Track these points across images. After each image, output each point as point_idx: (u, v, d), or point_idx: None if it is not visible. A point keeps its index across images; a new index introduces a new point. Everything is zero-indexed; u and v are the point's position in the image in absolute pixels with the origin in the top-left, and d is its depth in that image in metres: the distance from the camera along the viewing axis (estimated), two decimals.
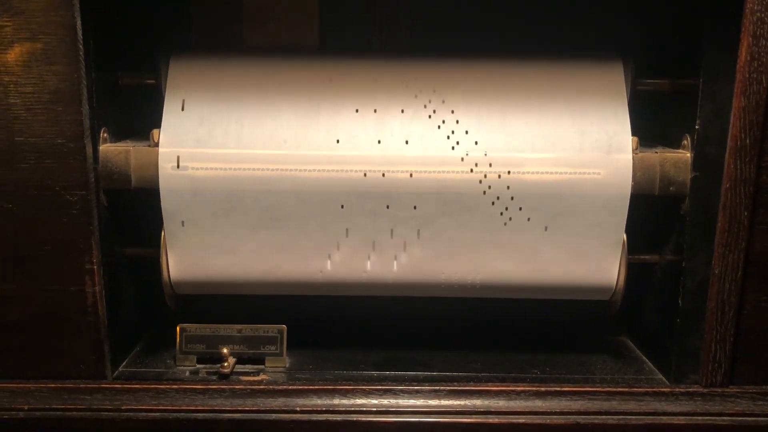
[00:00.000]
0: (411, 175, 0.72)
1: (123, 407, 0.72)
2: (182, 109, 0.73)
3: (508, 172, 0.72)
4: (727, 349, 0.73)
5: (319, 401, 0.73)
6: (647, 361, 0.84)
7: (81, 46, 0.67)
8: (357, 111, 0.73)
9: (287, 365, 0.79)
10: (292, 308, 0.85)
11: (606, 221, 0.73)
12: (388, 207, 0.73)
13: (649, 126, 0.80)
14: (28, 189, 0.69)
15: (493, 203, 0.73)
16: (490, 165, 0.72)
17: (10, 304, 0.72)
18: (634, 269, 0.78)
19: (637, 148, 0.74)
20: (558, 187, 0.72)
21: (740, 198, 0.69)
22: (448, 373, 0.79)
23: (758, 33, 0.66)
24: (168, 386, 0.74)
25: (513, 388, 0.74)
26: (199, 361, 0.79)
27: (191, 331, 0.79)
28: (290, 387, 0.74)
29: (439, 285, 0.77)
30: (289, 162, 0.72)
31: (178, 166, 0.72)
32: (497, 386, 0.75)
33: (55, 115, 0.68)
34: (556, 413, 0.73)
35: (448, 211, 0.73)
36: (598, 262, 0.75)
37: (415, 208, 0.73)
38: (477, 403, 0.74)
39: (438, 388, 0.75)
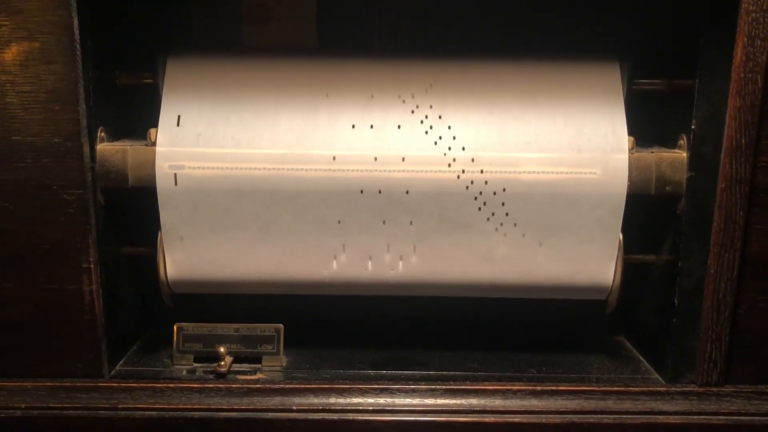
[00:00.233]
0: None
1: (120, 406, 0.72)
2: (180, 109, 0.74)
3: (504, 172, 0.73)
4: (722, 349, 0.73)
5: (315, 400, 0.73)
6: (643, 360, 0.84)
7: (78, 46, 0.67)
8: (353, 126, 0.73)
9: (284, 364, 0.80)
10: (289, 307, 0.85)
11: (602, 221, 0.73)
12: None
13: (646, 126, 0.80)
14: (26, 188, 0.69)
15: (486, 203, 0.73)
16: (485, 165, 0.72)
17: (7, 302, 0.72)
18: (630, 269, 0.78)
19: (633, 148, 0.74)
20: (554, 187, 0.73)
21: (736, 198, 0.70)
22: (444, 373, 0.79)
23: (753, 33, 0.66)
24: (165, 385, 0.74)
25: (509, 388, 0.75)
26: (196, 360, 0.79)
27: (188, 330, 0.79)
28: (287, 386, 0.74)
29: (436, 286, 0.77)
30: (288, 161, 0.72)
31: (175, 166, 0.72)
32: (494, 385, 0.75)
33: (52, 114, 0.68)
34: (552, 412, 0.73)
35: (444, 213, 0.73)
36: (595, 262, 0.75)
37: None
38: (473, 402, 0.74)
39: (435, 387, 0.75)
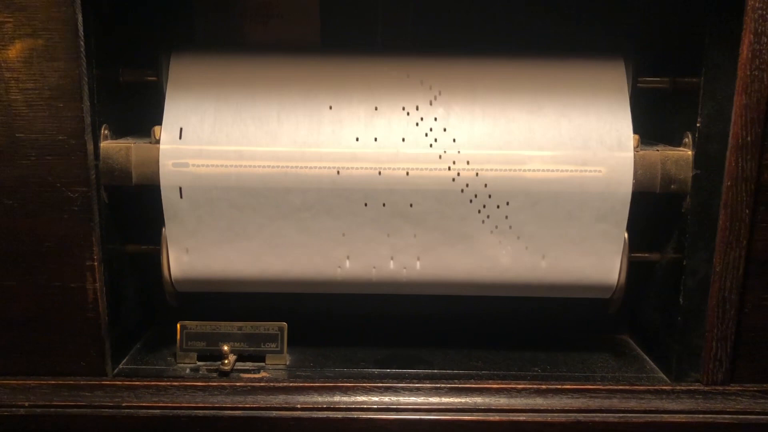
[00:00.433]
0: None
1: (123, 404, 0.72)
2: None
3: (509, 170, 0.72)
4: (728, 348, 0.73)
5: (319, 398, 0.73)
6: (648, 359, 0.84)
7: (82, 43, 0.67)
8: (357, 139, 0.73)
9: (288, 362, 0.79)
10: (292, 305, 0.85)
11: (607, 219, 0.73)
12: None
13: (651, 124, 0.80)
14: (29, 185, 0.69)
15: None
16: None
17: (10, 300, 0.72)
18: (635, 267, 0.78)
19: (638, 146, 0.73)
20: (559, 185, 0.72)
21: (741, 196, 0.69)
22: (449, 371, 0.79)
23: (759, 30, 0.66)
24: (168, 383, 0.74)
25: (514, 386, 0.74)
26: (199, 359, 0.79)
27: (192, 329, 0.79)
28: (291, 384, 0.74)
29: (441, 286, 0.77)
30: (292, 159, 0.72)
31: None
32: (498, 384, 0.75)
33: (56, 111, 0.68)
34: (557, 411, 0.73)
35: (446, 211, 0.73)
36: (599, 260, 0.75)
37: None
38: (478, 400, 0.73)
39: (439, 385, 0.74)
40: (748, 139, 0.68)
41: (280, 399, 0.73)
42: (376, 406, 0.73)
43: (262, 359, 0.79)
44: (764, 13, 0.65)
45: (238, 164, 0.72)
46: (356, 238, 0.74)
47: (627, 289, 0.77)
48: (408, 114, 0.73)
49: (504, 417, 0.72)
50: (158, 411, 0.72)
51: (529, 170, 0.72)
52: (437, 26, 0.89)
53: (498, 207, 0.73)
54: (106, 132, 0.73)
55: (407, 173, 0.73)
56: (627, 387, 0.75)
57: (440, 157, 0.72)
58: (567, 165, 0.72)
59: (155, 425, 0.72)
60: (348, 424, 0.72)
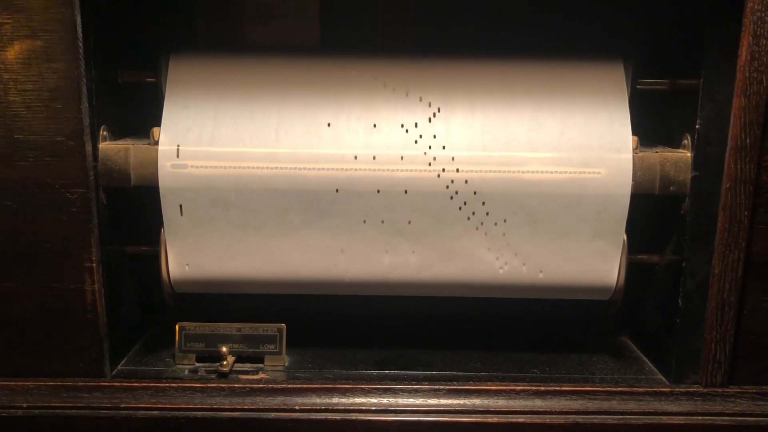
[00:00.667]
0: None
1: (122, 405, 0.72)
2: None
3: (508, 172, 0.72)
4: (727, 350, 0.73)
5: (318, 400, 0.73)
6: (647, 361, 0.84)
7: (81, 44, 0.67)
8: (355, 158, 0.73)
9: (286, 364, 0.79)
10: (291, 307, 0.85)
11: (606, 221, 0.73)
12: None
13: (650, 126, 0.80)
14: (28, 187, 0.69)
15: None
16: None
17: (9, 301, 0.72)
18: (634, 269, 0.78)
19: (637, 148, 0.73)
20: (558, 187, 0.72)
21: (740, 198, 0.69)
22: (447, 372, 0.79)
23: (758, 32, 0.66)
24: (167, 385, 0.74)
25: (512, 388, 0.74)
26: (198, 360, 0.79)
27: (190, 330, 0.79)
28: (289, 386, 0.74)
29: (437, 286, 0.77)
30: (289, 160, 0.72)
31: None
32: (497, 385, 0.75)
33: (54, 112, 0.68)
34: (555, 413, 0.73)
35: (446, 230, 0.74)
36: (599, 262, 0.75)
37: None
38: (476, 402, 0.73)
39: (437, 387, 0.74)
40: (747, 141, 0.68)
41: (278, 400, 0.73)
42: (374, 408, 0.73)
43: (261, 360, 0.79)
44: (763, 15, 0.65)
45: (237, 165, 0.72)
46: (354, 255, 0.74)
47: (626, 290, 0.77)
48: (407, 131, 0.73)
49: (503, 418, 0.72)
50: (157, 412, 0.72)
51: (528, 172, 0.72)
52: (436, 27, 0.89)
53: (495, 215, 0.73)
54: (105, 133, 0.73)
55: (405, 192, 0.73)
56: (626, 389, 0.75)
57: (438, 176, 0.72)
58: (566, 167, 0.72)
59: (154, 426, 0.72)
60: (347, 426, 0.72)
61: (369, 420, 0.72)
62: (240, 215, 0.73)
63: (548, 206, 0.73)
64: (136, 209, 0.79)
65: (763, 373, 0.74)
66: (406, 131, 0.73)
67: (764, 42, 0.66)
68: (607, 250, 0.75)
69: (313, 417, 0.72)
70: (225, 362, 0.76)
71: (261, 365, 0.79)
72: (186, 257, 0.75)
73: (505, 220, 0.73)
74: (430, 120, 0.73)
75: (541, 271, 0.75)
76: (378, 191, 0.72)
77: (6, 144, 0.68)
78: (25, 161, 0.68)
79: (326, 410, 0.72)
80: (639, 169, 0.73)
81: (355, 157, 0.72)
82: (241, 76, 0.76)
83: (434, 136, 0.73)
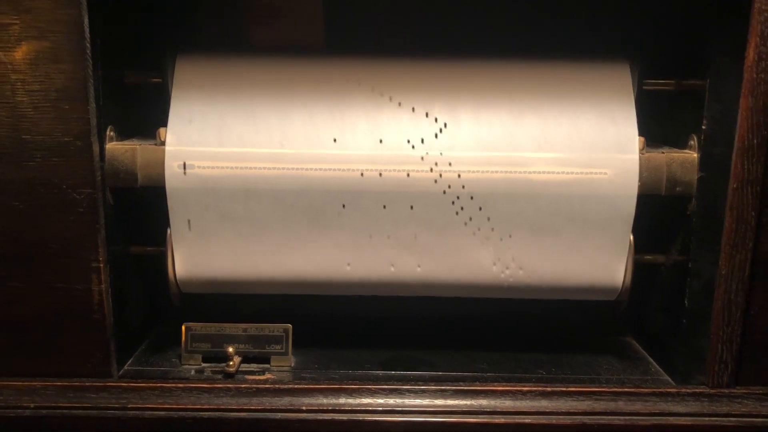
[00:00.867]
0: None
1: (129, 406, 0.72)
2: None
3: (514, 173, 0.72)
4: (733, 350, 0.73)
5: (324, 400, 0.73)
6: (653, 361, 0.84)
7: (88, 45, 0.67)
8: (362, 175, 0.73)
9: (293, 364, 0.79)
10: (297, 307, 0.85)
11: (612, 221, 0.73)
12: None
13: (656, 126, 0.80)
14: (35, 187, 0.69)
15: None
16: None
17: (16, 301, 0.72)
18: (640, 269, 0.78)
19: (643, 149, 0.73)
20: (565, 187, 0.72)
21: (747, 198, 0.69)
22: (453, 373, 0.79)
23: (766, 33, 0.66)
24: (173, 385, 0.74)
25: (519, 388, 0.74)
26: (204, 360, 0.79)
27: (196, 330, 0.79)
28: (296, 386, 0.74)
29: (445, 286, 0.77)
30: (296, 161, 0.72)
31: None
32: (503, 386, 0.75)
33: (62, 113, 0.68)
34: (562, 413, 0.73)
35: (450, 242, 0.74)
36: (605, 263, 0.75)
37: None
38: (483, 403, 0.73)
39: (444, 387, 0.74)
40: (755, 141, 0.68)
41: (285, 401, 0.73)
42: (381, 408, 0.73)
43: (267, 361, 0.79)
44: None
45: (244, 165, 0.72)
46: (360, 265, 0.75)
47: (632, 291, 0.77)
48: (413, 147, 0.73)
49: (509, 419, 0.72)
50: (163, 412, 0.72)
51: (534, 172, 0.72)
52: (440, 28, 0.89)
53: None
54: (111, 134, 0.73)
55: (411, 207, 0.73)
56: (632, 389, 0.75)
57: (444, 192, 0.73)
58: (572, 167, 0.72)
59: (161, 427, 0.72)
60: (354, 426, 0.72)
61: (376, 420, 0.72)
62: (246, 215, 0.73)
63: (554, 207, 0.73)
64: (142, 209, 0.79)
65: None
66: (413, 147, 0.73)
67: None
68: (613, 250, 0.75)
69: (320, 417, 0.72)
70: (231, 363, 0.76)
71: (267, 366, 0.79)
72: (192, 257, 0.75)
73: (511, 222, 0.73)
74: (436, 136, 0.73)
75: (547, 273, 0.75)
76: (384, 206, 0.73)
77: (13, 144, 0.68)
78: (33, 161, 0.69)
79: (333, 411, 0.72)
80: (645, 170, 0.73)
81: (362, 174, 0.72)
82: (247, 76, 0.76)
83: (441, 153, 0.73)
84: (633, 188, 0.73)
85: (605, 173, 0.73)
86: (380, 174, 0.72)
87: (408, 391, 0.74)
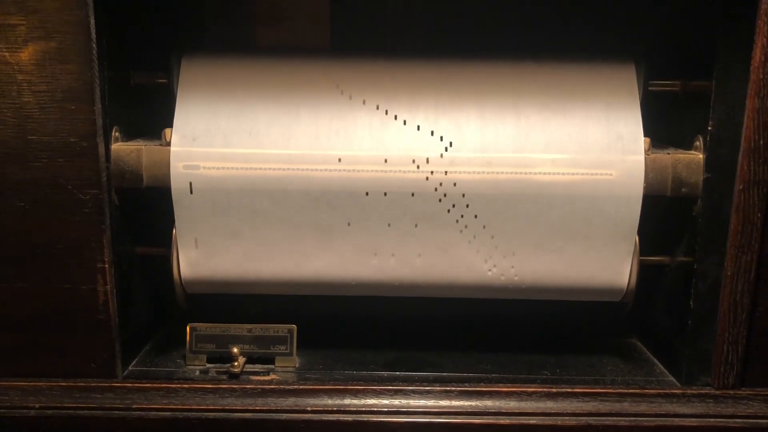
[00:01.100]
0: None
1: (134, 406, 0.72)
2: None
3: (520, 173, 0.72)
4: (739, 351, 0.73)
5: (329, 401, 0.73)
6: (658, 362, 0.84)
7: (94, 45, 0.67)
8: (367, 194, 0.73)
9: (297, 365, 0.79)
10: (302, 308, 0.85)
11: (618, 222, 0.73)
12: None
13: (662, 127, 0.80)
14: (41, 187, 0.69)
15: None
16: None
17: (21, 302, 0.72)
18: (645, 270, 0.78)
19: (649, 149, 0.73)
20: (570, 188, 0.72)
21: (753, 200, 0.69)
22: (458, 374, 0.79)
23: None
24: (178, 385, 0.74)
25: (524, 389, 0.74)
26: (209, 361, 0.79)
27: (201, 331, 0.79)
28: (301, 387, 0.74)
29: (452, 287, 0.77)
30: (302, 162, 0.72)
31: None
32: (508, 387, 0.75)
33: (68, 113, 0.68)
34: (567, 414, 0.73)
35: (455, 262, 0.75)
36: (610, 263, 0.75)
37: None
38: (488, 403, 0.73)
39: (449, 388, 0.74)
40: (761, 142, 0.68)
41: (290, 401, 0.73)
42: (386, 409, 0.73)
43: (272, 361, 0.79)
44: None
45: (249, 166, 0.72)
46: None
47: (637, 292, 0.77)
48: (418, 167, 0.73)
49: (514, 420, 0.72)
50: (168, 413, 0.72)
51: (539, 173, 0.72)
52: (445, 28, 0.89)
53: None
54: (117, 134, 0.74)
55: (416, 225, 0.73)
56: (637, 390, 0.75)
57: (448, 211, 0.73)
58: (578, 168, 0.72)
59: (165, 427, 0.72)
60: (359, 427, 0.72)
61: (381, 421, 0.72)
62: (252, 216, 0.73)
63: (560, 208, 0.73)
64: (148, 210, 0.79)
65: None
66: (426, 179, 0.73)
67: None
68: (618, 251, 0.75)
69: (325, 418, 0.72)
70: (236, 363, 0.76)
71: (272, 366, 0.79)
72: (197, 258, 0.75)
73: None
74: (445, 151, 0.73)
75: (552, 275, 0.75)
76: (389, 225, 0.73)
77: (19, 145, 0.68)
78: (39, 162, 0.69)
79: (338, 411, 0.72)
80: (651, 171, 0.73)
81: (366, 194, 0.73)
82: (252, 77, 0.76)
83: (436, 188, 0.72)
84: (638, 189, 0.73)
85: (611, 174, 0.73)
86: (389, 224, 0.73)
87: (413, 392, 0.74)
